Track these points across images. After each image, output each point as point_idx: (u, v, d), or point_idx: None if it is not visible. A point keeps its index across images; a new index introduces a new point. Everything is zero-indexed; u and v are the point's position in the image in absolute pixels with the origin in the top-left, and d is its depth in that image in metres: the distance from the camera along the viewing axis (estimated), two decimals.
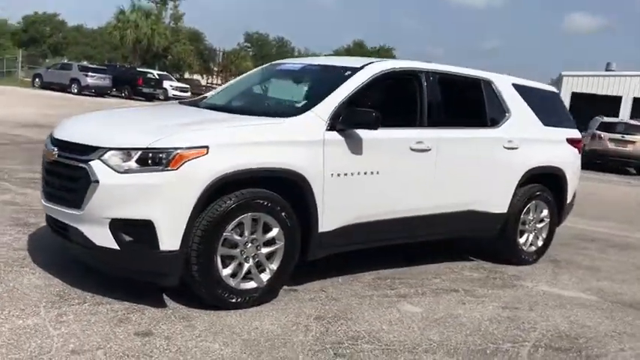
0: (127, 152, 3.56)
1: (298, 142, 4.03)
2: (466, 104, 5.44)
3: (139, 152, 3.54)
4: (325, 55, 24.25)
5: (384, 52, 67.79)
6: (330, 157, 4.14)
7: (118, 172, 3.52)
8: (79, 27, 71.86)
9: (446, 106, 5.02)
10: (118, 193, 3.52)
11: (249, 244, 3.87)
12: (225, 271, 3.79)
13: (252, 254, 3.91)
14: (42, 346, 3.06)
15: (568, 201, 6.17)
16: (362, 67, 4.64)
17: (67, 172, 3.77)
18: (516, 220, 5.60)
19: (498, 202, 5.44)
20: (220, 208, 3.68)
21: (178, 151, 3.55)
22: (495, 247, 5.78)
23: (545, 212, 5.91)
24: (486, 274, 5.37)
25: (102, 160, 3.56)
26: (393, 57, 48.70)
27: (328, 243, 4.31)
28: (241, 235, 3.84)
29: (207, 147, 3.63)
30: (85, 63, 41.27)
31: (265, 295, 3.99)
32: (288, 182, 3.98)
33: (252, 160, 3.79)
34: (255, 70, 6.01)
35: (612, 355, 3.81)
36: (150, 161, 3.54)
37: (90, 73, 31.69)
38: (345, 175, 4.25)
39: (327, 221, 4.22)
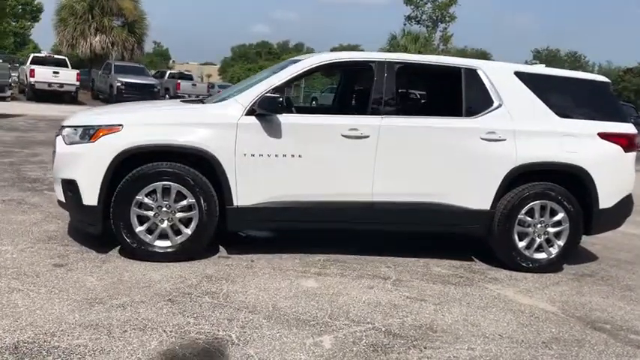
0: (74, 129, 4.70)
1: (211, 125, 4.66)
2: (432, 94, 5.25)
3: (81, 129, 4.65)
4: None
5: None
6: (243, 139, 4.65)
7: (66, 143, 4.69)
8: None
9: (401, 96, 4.99)
10: (63, 160, 4.69)
11: (164, 209, 4.64)
12: (140, 228, 4.62)
13: (168, 217, 4.66)
14: None
15: (604, 206, 5.27)
16: (300, 60, 5.00)
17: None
18: (508, 219, 5.09)
19: (475, 197, 5.07)
20: (133, 175, 4.55)
21: (98, 128, 4.56)
22: (490, 248, 5.33)
23: (561, 216, 5.18)
24: (456, 272, 5.05)
25: (61, 135, 4.77)
26: None
27: (250, 218, 4.79)
28: (155, 200, 4.63)
29: (121, 125, 4.56)
30: None
31: (182, 253, 4.68)
32: (201, 159, 4.63)
33: (160, 138, 4.57)
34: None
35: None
36: (84, 136, 4.62)
37: None
38: (261, 155, 4.69)
39: (244, 197, 4.71)
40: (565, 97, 5.37)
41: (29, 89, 23.56)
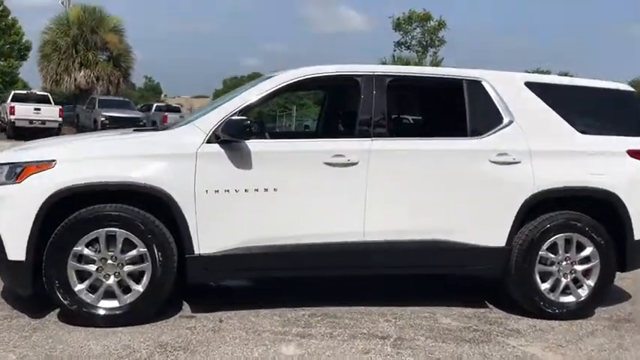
0: (1, 167, 3.86)
1: (164, 156, 3.83)
2: (430, 111, 4.46)
3: (6, 167, 3.81)
4: None
5: None
6: (204, 172, 3.83)
7: None
8: None
9: (394, 114, 4.22)
10: None
11: (109, 261, 3.78)
12: (80, 286, 3.75)
13: (114, 272, 3.79)
14: None
15: None
16: (273, 75, 4.21)
17: None
18: (527, 257, 4.25)
19: (487, 232, 4.23)
20: (70, 222, 3.70)
21: (25, 165, 3.72)
22: (508, 292, 4.47)
23: (590, 251, 4.35)
24: (469, 323, 4.17)
25: None
26: None
27: (215, 268, 3.93)
28: (97, 251, 3.77)
29: (54, 160, 3.72)
30: None
31: (132, 314, 3.80)
32: (152, 198, 3.80)
33: (101, 174, 3.73)
34: None
35: None
36: (10, 175, 3.77)
37: None
38: (226, 191, 3.86)
39: (208, 243, 3.86)
40: (586, 110, 4.59)
41: (9, 127, 22.76)
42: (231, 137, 3.83)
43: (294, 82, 4.12)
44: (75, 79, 28.19)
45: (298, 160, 4.00)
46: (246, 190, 3.88)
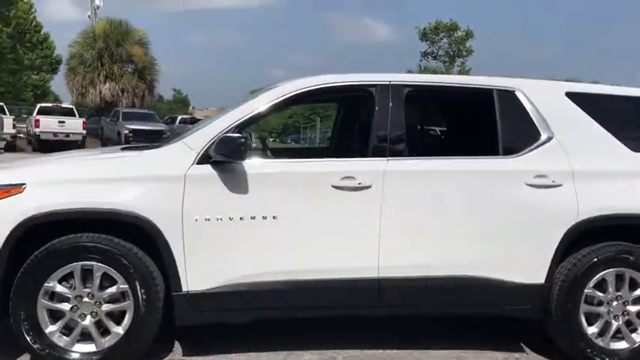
0: None
1: (148, 179, 3.35)
2: (456, 126, 3.90)
3: None
4: None
5: None
6: (194, 197, 3.34)
7: None
8: None
9: (413, 129, 3.68)
10: None
11: (85, 299, 3.30)
12: (52, 327, 3.28)
13: (91, 311, 3.31)
14: None
15: None
16: (276, 87, 3.70)
17: None
18: (570, 296, 3.64)
19: (523, 267, 3.64)
20: (41, 254, 3.24)
21: None
22: (548, 336, 3.85)
23: None
24: None
25: None
26: None
27: (207, 308, 3.42)
28: (72, 287, 3.30)
29: (23, 184, 3.27)
30: None
31: None
32: (135, 227, 3.32)
33: (77, 200, 3.27)
34: None
35: None
36: None
37: None
38: (219, 219, 3.36)
39: (198, 279, 3.37)
40: (637, 124, 3.97)
41: (35, 140, 22.85)
42: (225, 157, 3.33)
43: (298, 94, 3.60)
44: (100, 92, 28.32)
45: (302, 183, 3.47)
46: (241, 219, 3.37)
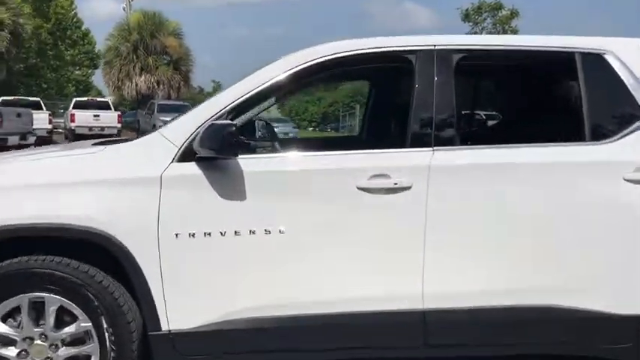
0: None
1: (111, 182, 2.53)
2: (525, 101, 2.94)
3: None
4: None
5: None
6: (174, 206, 2.51)
7: None
8: None
9: (467, 109, 2.74)
10: None
11: (37, 341, 2.53)
12: None
13: (45, 357, 2.54)
14: None
15: None
16: (276, 62, 2.80)
17: None
18: None
19: (621, 293, 2.67)
20: None
21: None
22: None
23: None
24: None
25: None
26: None
27: (193, 351, 2.60)
28: (19, 326, 2.53)
29: None
30: None
31: None
32: (97, 248, 2.52)
33: (22, 214, 2.49)
34: None
35: None
36: None
37: None
38: (208, 235, 2.52)
39: (182, 314, 2.55)
40: None
41: (70, 134, 22.72)
42: (214, 152, 2.48)
43: (306, 69, 2.69)
44: (136, 84, 28.06)
45: (317, 184, 2.59)
46: (236, 233, 2.53)
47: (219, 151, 2.47)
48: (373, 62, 3.10)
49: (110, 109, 23.98)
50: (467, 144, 2.76)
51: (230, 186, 2.53)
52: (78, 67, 56.06)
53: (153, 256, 2.49)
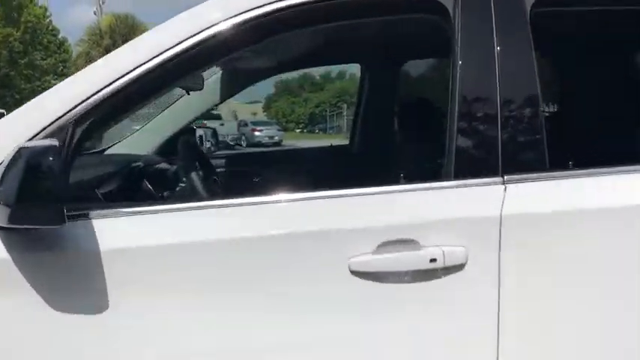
0: None
1: None
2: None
3: None
4: None
5: None
6: None
7: None
8: None
9: (559, 101, 1.36)
10: None
11: None
12: None
13: None
14: None
15: None
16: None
17: None
18: None
19: None
20: None
21: None
22: None
23: None
24: None
25: None
26: None
27: None
28: None
29: None
30: None
31: None
32: None
33: None
34: None
35: None
36: None
37: None
38: None
39: None
40: None
41: None
42: (31, 216, 1.08)
43: (247, 20, 1.28)
44: None
45: (271, 266, 1.21)
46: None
47: (34, 215, 1.07)
48: (371, 15, 1.63)
49: None
50: (564, 168, 1.37)
51: (72, 280, 1.15)
52: (56, 77, 54.74)
53: None
